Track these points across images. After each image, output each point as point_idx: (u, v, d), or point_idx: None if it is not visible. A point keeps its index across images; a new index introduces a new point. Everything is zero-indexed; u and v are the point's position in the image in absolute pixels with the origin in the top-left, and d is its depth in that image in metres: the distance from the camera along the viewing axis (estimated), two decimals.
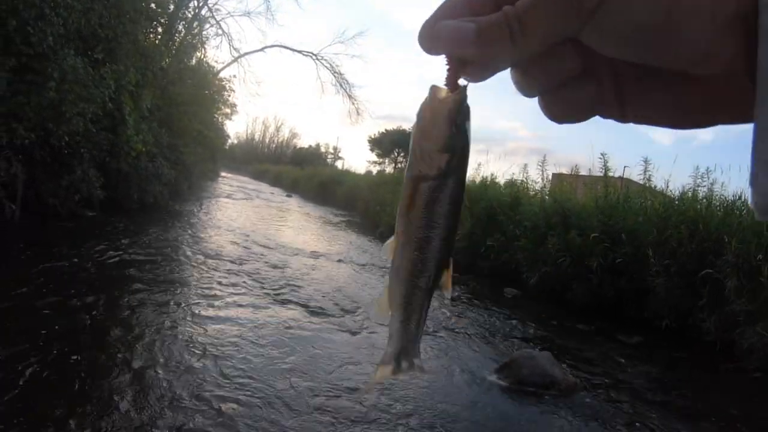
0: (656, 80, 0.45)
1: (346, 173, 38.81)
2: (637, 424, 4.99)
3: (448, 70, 0.49)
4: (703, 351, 7.24)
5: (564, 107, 0.49)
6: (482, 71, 0.49)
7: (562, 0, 0.40)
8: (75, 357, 4.73)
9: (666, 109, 0.47)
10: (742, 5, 0.37)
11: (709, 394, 5.83)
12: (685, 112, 0.46)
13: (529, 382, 5.48)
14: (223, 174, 46.58)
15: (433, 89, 0.51)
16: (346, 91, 37.81)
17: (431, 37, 0.47)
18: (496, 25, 0.43)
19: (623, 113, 0.48)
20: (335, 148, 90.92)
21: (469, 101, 0.51)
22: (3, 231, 8.83)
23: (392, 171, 44.30)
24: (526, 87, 0.48)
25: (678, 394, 5.76)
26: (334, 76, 37.12)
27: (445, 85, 0.50)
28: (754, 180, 0.40)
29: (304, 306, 7.60)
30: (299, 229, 17.98)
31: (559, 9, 0.41)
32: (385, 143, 66.79)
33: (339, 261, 12.24)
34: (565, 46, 0.45)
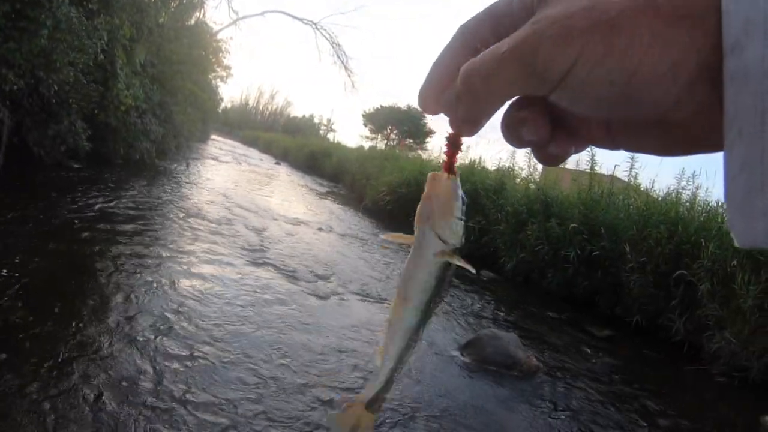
0: (639, 122, 0.47)
1: (337, 145, 38.61)
2: (592, 411, 5.10)
3: (446, 153, 0.58)
4: (671, 351, 7.36)
5: (548, 159, 0.53)
6: (470, 128, 0.54)
7: (525, 70, 0.43)
8: (50, 304, 4.76)
9: (651, 144, 0.49)
10: (704, 57, 0.39)
11: (670, 392, 5.93)
12: (669, 145, 0.48)
13: (492, 361, 5.60)
14: (213, 137, 46.25)
15: (433, 175, 0.59)
16: (343, 63, 37.69)
17: (428, 108, 0.55)
18: (463, 90, 0.48)
19: (614, 144, 0.51)
20: (329, 120, 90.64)
21: None
22: None
23: (383, 147, 44.18)
24: (508, 143, 0.53)
25: (639, 388, 5.86)
26: (333, 47, 36.94)
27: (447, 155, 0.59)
28: (732, 225, 0.42)
29: (279, 269, 7.67)
30: (284, 196, 17.93)
31: (521, 78, 0.44)
32: (379, 119, 66.49)
33: (319, 229, 12.28)
34: (529, 123, 0.49)
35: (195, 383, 4.00)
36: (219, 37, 30.06)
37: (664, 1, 0.39)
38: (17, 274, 5.13)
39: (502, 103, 0.49)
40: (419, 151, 35.17)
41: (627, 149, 0.52)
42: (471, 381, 5.23)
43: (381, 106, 67.70)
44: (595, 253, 9.00)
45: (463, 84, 0.47)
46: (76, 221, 7.54)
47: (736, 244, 0.42)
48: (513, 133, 0.51)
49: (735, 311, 6.70)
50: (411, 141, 62.83)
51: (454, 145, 0.57)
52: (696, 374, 6.64)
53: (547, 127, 0.49)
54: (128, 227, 7.91)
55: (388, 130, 66.52)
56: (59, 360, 3.87)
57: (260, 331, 5.25)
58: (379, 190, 16.96)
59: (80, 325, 4.49)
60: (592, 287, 9.02)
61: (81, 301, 5.04)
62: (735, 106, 0.38)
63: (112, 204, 9.19)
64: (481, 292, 8.88)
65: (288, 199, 17.28)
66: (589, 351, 6.81)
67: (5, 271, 5.16)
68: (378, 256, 10.47)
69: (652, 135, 0.48)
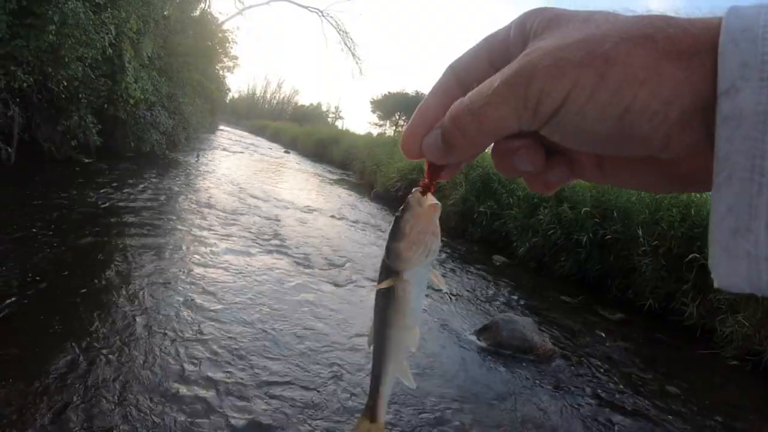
0: (627, 159, 0.47)
1: (345, 132, 38.50)
2: (607, 394, 5.12)
3: (426, 175, 0.56)
4: (683, 335, 7.32)
5: (542, 187, 0.53)
6: (455, 169, 0.55)
7: (517, 103, 0.42)
8: (67, 299, 4.82)
9: (640, 180, 0.49)
10: (697, 96, 0.38)
11: (683, 376, 5.90)
12: (658, 182, 0.48)
13: (508, 345, 5.61)
14: (222, 127, 46.27)
15: (416, 196, 0.58)
16: (351, 50, 37.42)
17: (410, 152, 0.52)
18: (451, 129, 0.47)
19: (604, 179, 0.51)
20: (336, 108, 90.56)
21: None
22: None
23: (392, 134, 44.07)
24: (501, 173, 0.53)
25: (652, 372, 5.86)
26: (339, 34, 36.70)
27: (422, 187, 0.58)
28: (713, 265, 0.40)
29: (295, 258, 7.72)
30: (295, 185, 17.94)
31: (513, 111, 0.43)
32: (387, 106, 66.41)
33: (332, 217, 12.31)
34: (522, 150, 0.48)
35: (220, 374, 4.05)
36: (225, 27, 30.04)
37: (661, 37, 0.38)
38: (35, 270, 5.20)
39: (491, 142, 0.48)
40: None
41: (616, 184, 0.51)
42: (487, 365, 5.25)
43: (389, 92, 67.70)
44: (607, 237, 8.95)
45: (453, 123, 0.46)
46: (90, 216, 7.59)
47: (715, 285, 0.41)
48: (506, 163, 0.50)
49: (748, 295, 6.63)
50: None
51: (434, 173, 0.55)
52: (709, 358, 6.61)
53: (542, 155, 0.49)
54: (142, 220, 7.97)
55: (397, 117, 66.43)
56: (80, 352, 3.92)
57: (281, 321, 5.30)
58: (390, 176, 16.93)
59: (99, 318, 4.54)
60: (605, 271, 8.97)
61: (100, 294, 5.10)
62: (726, 148, 0.37)
63: (125, 197, 9.26)
64: (494, 276, 8.87)
65: (299, 188, 17.29)
66: (603, 335, 6.79)
67: (25, 266, 5.21)
68: None
69: (641, 171, 0.47)
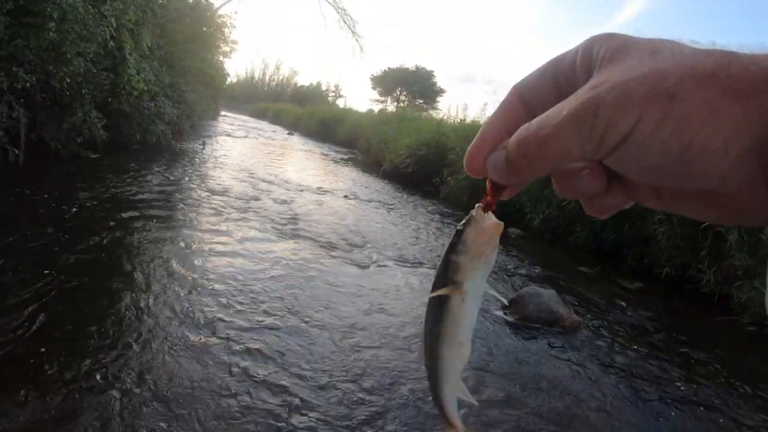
0: (685, 191, 0.47)
1: (348, 111, 38.49)
2: (633, 363, 5.18)
3: (488, 192, 0.55)
4: (701, 302, 7.36)
5: (599, 211, 0.53)
6: (517, 188, 0.54)
7: (582, 134, 0.42)
8: (84, 294, 4.85)
9: (696, 211, 0.48)
10: (756, 135, 0.38)
11: (703, 342, 5.97)
12: (713, 214, 0.47)
13: (536, 318, 5.67)
14: (223, 113, 46.25)
15: (479, 212, 0.57)
16: (350, 28, 36.99)
17: (474, 171, 0.53)
18: (517, 155, 0.47)
19: (661, 206, 0.51)
20: (336, 86, 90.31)
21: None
22: (7, 176, 8.79)
23: (393, 109, 43.97)
24: (560, 195, 0.52)
25: (674, 340, 5.91)
26: (338, 12, 36.31)
27: (484, 204, 0.56)
28: None
29: (314, 241, 7.78)
30: (303, 167, 18.00)
31: (578, 141, 0.43)
32: (387, 81, 66.19)
33: (345, 197, 12.39)
34: (587, 171, 0.48)
35: (250, 363, 4.09)
36: (222, 12, 29.84)
37: (724, 74, 0.38)
38: (55, 269, 5.22)
39: (554, 168, 0.48)
40: (431, 112, 34.98)
41: (673, 211, 0.51)
42: (517, 340, 5.31)
43: (388, 68, 67.41)
44: None
45: (518, 148, 0.46)
46: (102, 212, 7.59)
47: None
48: (566, 184, 0.50)
49: (764, 260, 6.63)
50: (421, 101, 62.50)
51: (496, 192, 0.55)
52: (727, 324, 6.65)
53: (604, 179, 0.48)
54: (156, 212, 7.99)
55: (398, 92, 66.22)
56: (102, 347, 3.96)
57: (310, 308, 5.33)
58: (398, 153, 16.91)
59: (121, 314, 4.59)
60: (621, 240, 8.98)
61: (121, 290, 5.12)
62: None
63: (136, 191, 9.27)
64: (511, 249, 8.91)
65: (308, 169, 17.35)
66: (623, 304, 6.85)
67: (43, 266, 5.23)
68: (407, 221, 10.56)
69: (697, 202, 0.47)
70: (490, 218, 0.57)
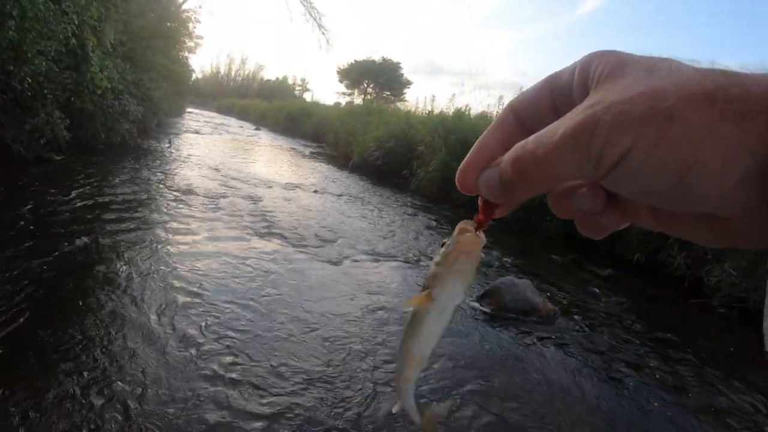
0: (681, 213, 0.46)
1: (315, 105, 38.41)
2: (609, 348, 5.28)
3: (480, 211, 0.55)
4: (672, 286, 7.53)
5: (595, 231, 0.52)
6: (511, 206, 0.54)
7: (580, 155, 0.41)
8: (53, 300, 4.72)
9: (692, 233, 0.48)
10: (755, 158, 0.37)
11: (676, 325, 6.13)
12: (710, 237, 0.46)
13: (512, 309, 5.72)
14: (189, 110, 45.77)
15: (468, 233, 0.56)
16: (316, 21, 36.75)
17: (466, 189, 0.53)
18: (512, 173, 0.46)
19: (658, 227, 0.50)
20: (303, 80, 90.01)
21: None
22: None
23: (361, 102, 43.86)
24: (557, 214, 0.52)
25: (648, 324, 6.03)
26: (303, 5, 36.03)
27: (476, 223, 0.56)
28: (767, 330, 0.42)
29: (285, 238, 7.72)
30: (271, 162, 17.92)
31: (576, 161, 0.42)
32: (354, 74, 66.07)
33: (314, 192, 12.36)
34: (584, 188, 0.48)
35: (222, 364, 4.06)
36: (186, 6, 29.46)
37: (722, 95, 0.38)
38: (20, 277, 5.06)
39: (550, 188, 0.48)
40: (398, 104, 34.97)
41: (670, 233, 0.50)
42: (494, 330, 5.34)
43: (355, 60, 67.30)
44: None
45: (514, 167, 0.46)
46: (68, 215, 7.37)
47: (767, 349, 0.43)
48: (563, 203, 0.50)
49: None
50: (388, 93, 62.48)
51: (488, 210, 0.55)
52: (698, 307, 6.83)
53: (603, 196, 0.48)
54: (124, 215, 7.82)
55: (365, 85, 66.13)
56: (67, 351, 3.89)
57: (281, 305, 5.30)
58: (367, 146, 16.90)
59: (90, 322, 4.47)
60: None
61: (88, 297, 4.99)
62: None
63: (102, 192, 9.07)
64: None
65: (276, 164, 17.27)
66: (596, 290, 6.92)
67: (3, 273, 5.07)
68: (378, 214, 10.55)
69: (694, 224, 0.46)
70: (473, 236, 0.56)
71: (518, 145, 0.45)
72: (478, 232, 0.56)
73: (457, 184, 0.53)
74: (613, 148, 0.39)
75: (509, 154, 0.46)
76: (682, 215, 0.46)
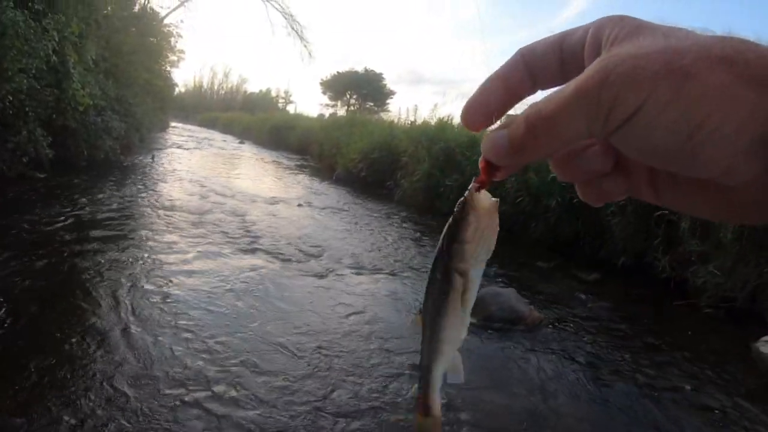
0: (687, 181, 0.46)
1: (299, 117, 38.36)
2: (597, 354, 5.29)
3: (482, 173, 0.52)
4: (658, 288, 7.54)
5: (597, 196, 0.52)
6: (512, 169, 0.51)
7: (590, 109, 0.41)
8: (37, 320, 4.68)
9: (696, 204, 0.48)
10: (766, 126, 0.37)
11: (664, 327, 6.16)
12: (712, 210, 0.47)
13: (498, 318, 5.70)
14: (172, 124, 45.54)
15: (474, 194, 0.54)
16: (298, 33, 36.85)
17: (471, 124, 0.51)
18: (524, 133, 0.44)
19: (658, 199, 0.50)
20: (286, 92, 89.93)
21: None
22: None
23: (344, 113, 43.92)
24: (560, 177, 0.51)
25: (635, 327, 6.07)
26: (285, 18, 36.10)
27: (478, 184, 0.53)
28: None
29: (269, 252, 7.69)
30: (256, 176, 17.86)
31: (585, 116, 0.41)
32: (337, 85, 66.09)
33: (299, 205, 12.30)
34: (596, 146, 0.48)
35: (204, 379, 4.03)
36: (168, 21, 29.38)
37: (741, 60, 0.37)
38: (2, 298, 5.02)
39: (559, 148, 0.46)
40: (382, 114, 35.03)
41: (669, 206, 0.51)
42: (481, 341, 5.33)
43: (338, 72, 67.34)
44: (575, 200, 9.06)
45: (526, 125, 0.44)
46: (51, 235, 7.32)
47: None
48: (569, 164, 0.49)
49: (716, 245, 6.86)
50: (372, 104, 62.55)
51: (490, 172, 0.52)
52: (685, 308, 6.84)
53: (611, 156, 0.48)
54: (106, 232, 7.76)
55: (348, 96, 66.18)
56: (59, 376, 3.86)
57: (267, 321, 5.29)
58: (351, 157, 16.91)
59: (76, 342, 4.42)
60: (576, 233, 9.15)
61: (73, 318, 4.94)
62: None
63: (85, 210, 9.01)
64: None
65: (260, 178, 17.22)
66: (582, 296, 6.95)
67: None
68: (363, 226, 10.53)
69: (695, 196, 0.47)
70: (487, 198, 0.54)
71: (530, 107, 0.45)
72: (485, 193, 0.54)
73: (461, 119, 0.51)
74: (624, 101, 0.39)
75: (521, 116, 0.45)
76: (683, 186, 0.47)
